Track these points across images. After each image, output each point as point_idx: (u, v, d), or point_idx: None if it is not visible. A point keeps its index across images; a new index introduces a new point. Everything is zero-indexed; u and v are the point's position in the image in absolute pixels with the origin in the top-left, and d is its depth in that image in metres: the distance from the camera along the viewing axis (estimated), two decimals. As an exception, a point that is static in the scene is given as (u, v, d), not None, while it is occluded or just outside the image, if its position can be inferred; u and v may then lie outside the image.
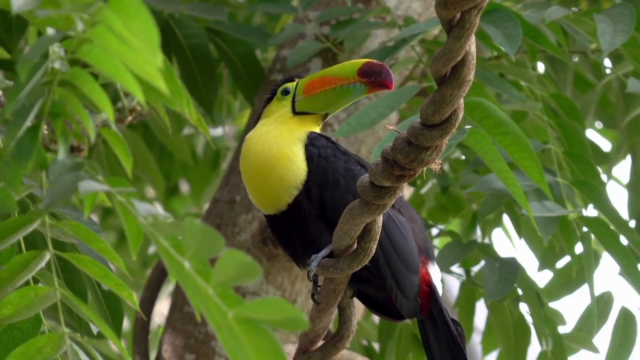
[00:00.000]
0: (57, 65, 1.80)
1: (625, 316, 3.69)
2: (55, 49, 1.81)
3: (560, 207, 3.22)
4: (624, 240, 3.27)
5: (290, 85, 2.63)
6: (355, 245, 2.35)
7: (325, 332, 2.56)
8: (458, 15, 1.89)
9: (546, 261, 3.82)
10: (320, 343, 2.58)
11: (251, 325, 1.58)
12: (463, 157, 3.77)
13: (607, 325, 3.71)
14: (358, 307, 2.66)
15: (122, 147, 1.91)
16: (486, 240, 3.76)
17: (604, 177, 3.96)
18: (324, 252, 2.41)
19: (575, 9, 3.47)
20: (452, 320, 2.53)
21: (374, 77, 2.51)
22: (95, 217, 5.10)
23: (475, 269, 3.66)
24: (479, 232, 3.81)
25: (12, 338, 2.26)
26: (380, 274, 2.47)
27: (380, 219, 2.31)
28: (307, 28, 3.72)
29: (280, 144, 2.51)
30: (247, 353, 1.57)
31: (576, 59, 3.90)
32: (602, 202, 3.31)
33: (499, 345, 3.70)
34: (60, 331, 2.06)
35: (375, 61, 2.52)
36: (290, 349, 2.69)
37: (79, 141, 1.97)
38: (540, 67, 3.99)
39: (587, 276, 3.27)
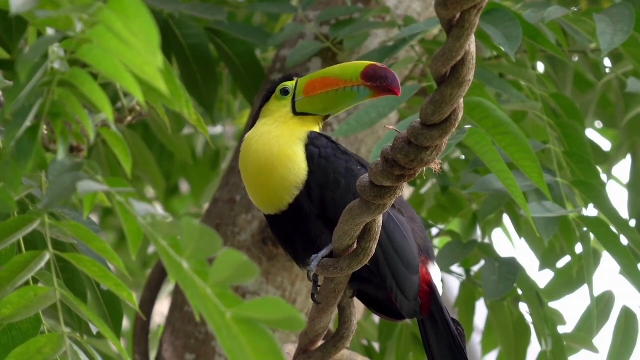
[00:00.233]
0: (56, 65, 1.80)
1: (627, 315, 3.69)
2: (55, 49, 1.81)
3: (560, 207, 3.22)
4: (624, 240, 3.27)
5: (290, 85, 2.62)
6: (355, 245, 2.35)
7: (325, 332, 2.56)
8: (458, 15, 1.89)
9: (547, 261, 3.82)
10: (320, 343, 2.58)
11: (250, 325, 1.58)
12: (463, 157, 3.77)
13: (609, 325, 3.71)
14: (358, 307, 2.66)
15: (122, 147, 1.91)
16: (486, 240, 3.76)
17: (604, 176, 3.96)
18: (324, 252, 2.41)
19: (575, 9, 3.47)
20: (453, 319, 2.53)
21: (379, 82, 2.50)
22: (95, 217, 5.10)
23: (476, 268, 3.66)
24: (479, 232, 3.81)
25: (11, 338, 2.26)
26: (381, 274, 2.47)
27: (380, 219, 2.31)
28: (307, 28, 3.72)
29: (281, 144, 2.51)
30: (245, 353, 1.57)
31: (576, 59, 3.90)
32: (602, 202, 3.31)
33: (499, 345, 3.71)
34: (60, 331, 2.06)
35: (379, 64, 2.51)
36: (291, 348, 2.69)
37: (79, 141, 1.97)
38: (540, 67, 3.99)
39: (586, 277, 3.27)
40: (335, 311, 2.52)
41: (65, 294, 2.04)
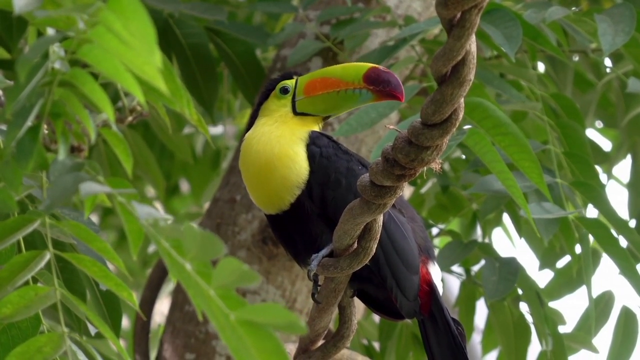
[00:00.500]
0: (57, 65, 1.80)
1: (627, 315, 3.69)
2: (56, 49, 1.81)
3: (559, 208, 3.22)
4: (623, 242, 3.27)
5: (289, 84, 2.61)
6: (355, 245, 2.35)
7: (325, 332, 2.56)
8: (458, 15, 1.89)
9: (546, 261, 3.83)
10: (320, 342, 2.58)
11: (254, 327, 1.59)
12: (463, 157, 3.77)
13: (609, 325, 3.72)
14: (358, 307, 2.66)
15: (122, 147, 1.91)
16: (486, 240, 3.76)
17: (604, 176, 3.97)
18: (324, 252, 2.41)
19: (576, 9, 3.47)
20: (453, 319, 2.53)
21: (382, 86, 2.49)
22: (95, 216, 5.11)
23: (476, 268, 3.66)
24: (479, 231, 3.81)
25: (11, 337, 2.26)
26: (381, 274, 2.47)
27: (380, 219, 2.31)
28: (308, 27, 3.72)
29: (282, 144, 2.51)
30: (250, 353, 1.57)
31: (576, 59, 3.90)
32: (602, 203, 3.31)
33: (499, 344, 3.70)
34: (60, 331, 2.06)
35: (382, 68, 2.50)
36: (291, 348, 2.69)
37: (79, 141, 1.96)
38: (541, 66, 3.98)
39: (585, 279, 3.27)
40: (336, 311, 2.52)
41: (65, 294, 2.04)
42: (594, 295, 3.65)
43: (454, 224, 3.93)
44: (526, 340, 3.55)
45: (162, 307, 4.99)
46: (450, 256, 3.45)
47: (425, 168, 2.14)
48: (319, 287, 2.47)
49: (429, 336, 2.53)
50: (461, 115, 2.04)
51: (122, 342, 4.96)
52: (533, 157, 2.91)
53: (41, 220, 2.00)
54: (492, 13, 3.14)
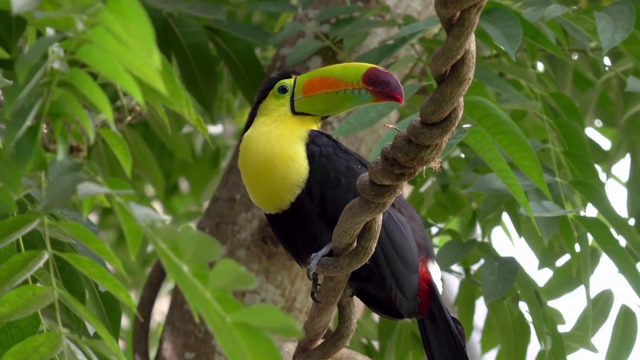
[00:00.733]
0: (56, 65, 1.80)
1: (626, 314, 3.69)
2: (55, 49, 1.81)
3: (559, 207, 3.22)
4: (622, 241, 3.27)
5: (288, 83, 2.60)
6: (355, 244, 2.35)
7: (325, 331, 2.56)
8: (458, 14, 1.89)
9: (546, 260, 3.83)
10: (320, 341, 2.57)
11: (249, 330, 1.59)
12: (463, 156, 3.77)
13: (608, 323, 3.71)
14: (358, 306, 2.66)
15: (121, 148, 1.91)
16: (486, 239, 3.76)
17: (603, 175, 3.97)
18: (323, 251, 2.41)
19: (575, 7, 3.47)
20: (452, 318, 2.53)
21: (381, 87, 2.49)
22: (95, 215, 5.11)
23: (475, 267, 3.66)
24: (478, 230, 3.81)
25: (10, 336, 2.26)
26: (380, 273, 2.47)
27: (380, 218, 2.30)
28: (307, 26, 3.71)
29: (282, 143, 2.50)
30: (245, 356, 1.57)
31: (575, 57, 3.90)
32: (601, 202, 3.31)
33: (499, 343, 3.71)
34: (58, 331, 2.06)
35: (381, 68, 2.50)
36: (290, 347, 2.69)
37: (78, 141, 1.96)
38: (540, 65, 3.98)
39: (583, 278, 3.27)
40: (335, 310, 2.52)
41: (63, 294, 2.04)
42: (594, 294, 3.65)
43: (454, 223, 3.92)
44: (525, 340, 3.55)
45: (161, 306, 4.99)
46: (449, 255, 3.45)
47: (424, 167, 2.14)
48: (318, 286, 2.47)
49: (428, 335, 2.53)
50: (460, 114, 2.04)
51: (121, 342, 4.96)
52: (533, 156, 2.91)
53: (40, 220, 2.00)
54: (491, 12, 3.14)
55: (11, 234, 2.00)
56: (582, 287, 3.76)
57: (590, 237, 3.30)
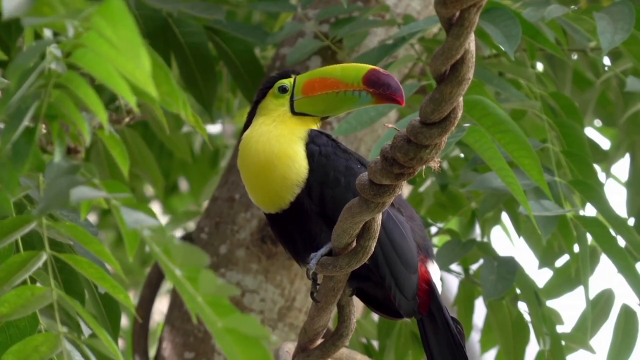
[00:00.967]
0: (53, 66, 1.80)
1: (626, 314, 3.69)
2: (52, 50, 1.80)
3: (558, 206, 3.22)
4: (621, 241, 3.26)
5: (287, 82, 2.60)
6: (354, 244, 2.34)
7: (324, 331, 2.56)
8: (457, 14, 1.89)
9: (545, 259, 3.83)
10: (319, 341, 2.57)
11: (240, 335, 1.59)
12: (462, 155, 3.77)
13: (609, 323, 3.71)
14: (357, 305, 2.66)
15: (119, 149, 1.90)
16: (485, 239, 3.76)
17: (602, 175, 3.96)
18: (323, 250, 2.41)
19: (575, 7, 3.47)
20: (452, 318, 2.53)
21: (382, 89, 2.48)
22: (94, 215, 5.10)
23: (474, 267, 3.66)
24: (478, 230, 3.81)
25: (9, 336, 2.26)
26: (379, 273, 2.47)
27: (379, 217, 2.30)
28: (307, 26, 3.71)
29: (282, 143, 2.50)
30: (238, 359, 1.58)
31: (575, 57, 3.90)
32: (600, 202, 3.31)
33: (498, 343, 3.71)
34: (57, 331, 2.06)
35: (381, 70, 2.49)
36: (290, 347, 2.69)
37: (76, 142, 1.96)
38: (540, 65, 3.98)
39: (582, 279, 3.27)
40: (335, 309, 2.52)
41: (62, 295, 2.04)
42: (593, 293, 3.65)
43: (453, 223, 3.92)
44: (524, 340, 3.55)
45: (161, 305, 4.99)
46: (449, 255, 3.45)
47: (424, 167, 2.14)
48: (318, 286, 2.47)
49: (427, 335, 2.53)
50: (460, 114, 2.04)
51: (121, 341, 4.96)
52: (533, 155, 2.90)
53: (38, 220, 2.00)
54: (491, 11, 3.14)
55: (10, 234, 2.00)
56: (581, 287, 3.76)
57: (589, 237, 3.30)
